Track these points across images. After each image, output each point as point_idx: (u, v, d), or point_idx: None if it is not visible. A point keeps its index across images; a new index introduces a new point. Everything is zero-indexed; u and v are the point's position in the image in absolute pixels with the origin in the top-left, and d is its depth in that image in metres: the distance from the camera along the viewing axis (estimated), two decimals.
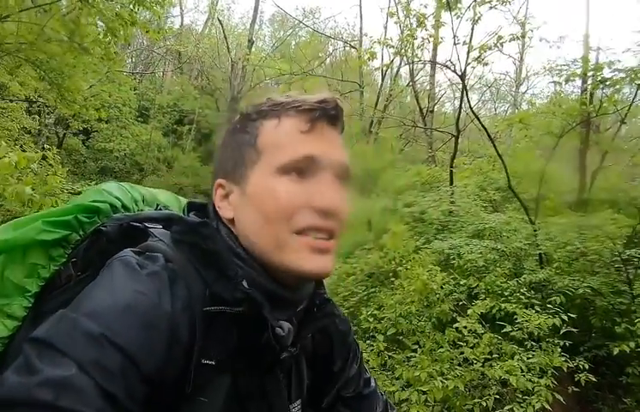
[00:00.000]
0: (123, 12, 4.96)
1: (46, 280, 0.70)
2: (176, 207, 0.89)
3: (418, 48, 7.12)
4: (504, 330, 3.55)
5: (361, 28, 12.61)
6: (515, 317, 3.65)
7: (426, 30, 6.62)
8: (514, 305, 3.81)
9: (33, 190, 3.02)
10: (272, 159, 0.63)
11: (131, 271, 0.57)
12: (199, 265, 0.61)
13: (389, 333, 3.95)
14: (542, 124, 6.55)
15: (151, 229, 0.68)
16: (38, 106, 7.62)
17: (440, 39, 7.76)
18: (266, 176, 0.63)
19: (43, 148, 6.38)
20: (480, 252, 4.79)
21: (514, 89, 15.54)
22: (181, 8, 17.42)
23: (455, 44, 6.27)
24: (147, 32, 5.30)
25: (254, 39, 15.00)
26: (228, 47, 14.81)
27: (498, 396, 3.15)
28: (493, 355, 3.38)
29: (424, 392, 3.06)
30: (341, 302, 5.71)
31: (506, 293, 4.20)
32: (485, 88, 14.67)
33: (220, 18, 15.45)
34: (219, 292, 0.59)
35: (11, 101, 6.14)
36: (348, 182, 0.67)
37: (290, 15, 17.30)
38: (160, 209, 0.83)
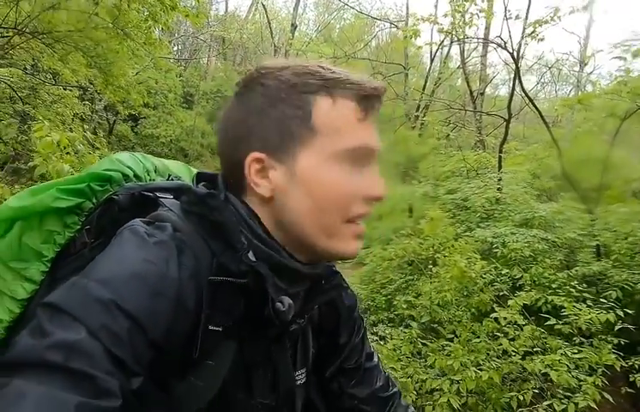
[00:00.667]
0: None
1: (61, 246, 0.72)
2: (187, 177, 0.88)
3: (466, 25, 6.66)
4: (548, 323, 3.30)
5: (407, 6, 12.11)
6: (562, 310, 3.38)
7: (476, 4, 6.19)
8: (562, 299, 3.53)
9: (72, 168, 3.16)
10: (329, 143, 0.61)
11: (140, 240, 0.58)
12: (206, 236, 0.62)
13: (423, 320, 3.80)
14: (606, 106, 5.96)
15: (161, 199, 0.69)
16: (90, 94, 8.02)
17: (492, 14, 7.27)
18: (321, 160, 0.62)
19: (94, 132, 6.72)
20: (528, 242, 4.50)
21: (577, 70, 14.29)
22: None
23: (507, 19, 5.85)
24: (187, 16, 5.37)
25: (297, 23, 14.91)
26: (272, 32, 14.84)
27: (537, 391, 2.94)
28: (535, 349, 3.15)
29: (457, 382, 2.91)
30: (378, 289, 5.63)
31: (554, 286, 3.93)
32: (545, 69, 13.60)
33: (264, 3, 15.48)
34: (225, 263, 0.60)
35: (64, 88, 6.51)
36: None
37: None
38: (172, 180, 0.84)
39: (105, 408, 0.46)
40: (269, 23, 15.20)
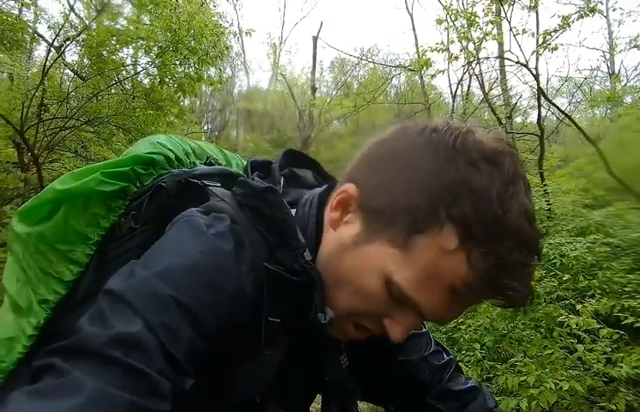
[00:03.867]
0: (190, 73, 5.51)
1: (106, 229, 0.72)
2: (222, 159, 0.88)
3: (475, 49, 6.69)
4: (625, 322, 2.96)
5: (417, 48, 12.44)
6: None
7: (481, 29, 6.23)
8: None
9: None
10: (404, 269, 0.54)
11: (199, 233, 0.57)
12: (263, 229, 0.61)
13: (485, 341, 3.52)
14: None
15: (210, 187, 0.68)
16: None
17: (501, 34, 7.28)
18: (382, 264, 0.56)
19: None
20: (588, 247, 4.18)
21: (608, 83, 13.90)
22: (246, 70, 18.91)
23: (513, 35, 5.80)
24: (211, 85, 5.75)
25: (316, 85, 15.61)
26: (294, 97, 15.57)
27: (629, 399, 2.59)
28: (619, 355, 2.81)
29: (535, 398, 2.61)
30: (436, 327, 5.32)
31: (628, 289, 3.57)
32: (574, 90, 13.33)
33: (283, 73, 16.39)
34: (281, 258, 0.60)
35: None
36: None
37: (348, 53, 17.83)
38: (211, 163, 0.84)
39: (154, 410, 0.46)
40: (290, 90, 15.99)
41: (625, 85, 11.99)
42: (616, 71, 13.21)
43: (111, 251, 0.71)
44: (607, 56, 13.23)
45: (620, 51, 10.97)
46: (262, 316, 0.58)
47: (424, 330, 0.85)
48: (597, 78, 13.00)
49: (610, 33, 11.92)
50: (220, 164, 0.85)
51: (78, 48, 5.53)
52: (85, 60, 5.62)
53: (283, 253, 0.59)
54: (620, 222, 4.84)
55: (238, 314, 0.56)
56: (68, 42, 5.34)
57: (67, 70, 5.70)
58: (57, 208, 0.71)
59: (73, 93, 5.24)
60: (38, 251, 0.70)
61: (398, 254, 0.54)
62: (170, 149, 0.79)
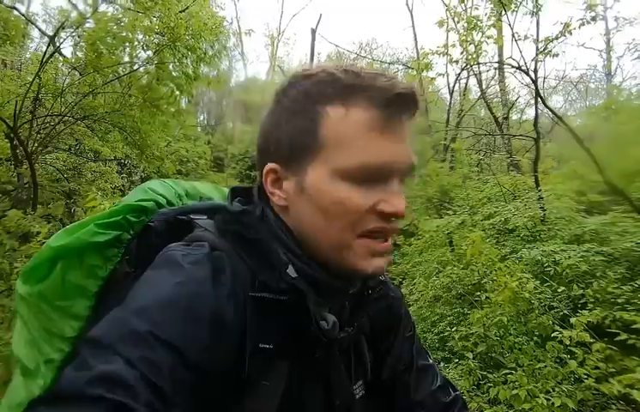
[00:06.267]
0: (188, 71, 5.46)
1: (104, 279, 0.73)
2: (217, 197, 0.90)
3: (477, 53, 6.69)
4: (618, 338, 3.00)
5: (416, 46, 12.40)
6: (635, 325, 3.07)
7: (482, 32, 6.22)
8: (633, 314, 3.23)
9: None
10: (336, 158, 0.58)
11: (175, 265, 0.58)
12: (244, 253, 0.61)
13: (478, 350, 3.55)
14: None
15: (196, 220, 0.70)
16: (128, 169, 8.50)
17: (501, 38, 7.27)
18: (328, 176, 0.59)
19: None
20: (582, 257, 4.21)
21: (604, 83, 13.94)
22: (244, 61, 18.77)
23: (515, 40, 5.79)
24: (208, 84, 5.70)
25: None
26: None
27: None
28: (610, 370, 2.85)
29: None
30: (428, 328, 5.38)
31: (621, 300, 3.61)
32: (570, 88, 13.36)
33: (281, 65, 16.26)
34: (265, 280, 0.59)
35: (104, 164, 6.95)
36: (409, 177, 0.64)
37: (344, 48, 17.72)
38: (203, 201, 0.85)
39: None
40: None
41: (622, 83, 12.04)
42: (612, 71, 13.27)
43: (109, 300, 0.70)
44: (604, 54, 13.26)
45: (619, 57, 11.01)
46: (247, 343, 0.57)
47: (430, 361, 0.85)
48: (593, 77, 13.07)
49: (608, 33, 11.92)
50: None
51: (74, 42, 5.44)
52: (79, 54, 5.54)
53: (267, 274, 0.59)
54: (615, 229, 4.86)
55: (221, 339, 0.55)
56: (65, 35, 5.25)
57: (62, 65, 5.61)
58: (54, 265, 0.72)
59: (69, 89, 5.17)
60: (40, 310, 0.71)
61: (323, 154, 0.59)
62: (161, 194, 0.81)
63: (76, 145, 6.51)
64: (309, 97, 0.60)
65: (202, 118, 17.14)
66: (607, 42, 12.17)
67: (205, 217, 0.71)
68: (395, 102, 0.58)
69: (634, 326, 3.09)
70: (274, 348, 0.59)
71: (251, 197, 0.68)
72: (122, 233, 0.74)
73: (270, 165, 0.63)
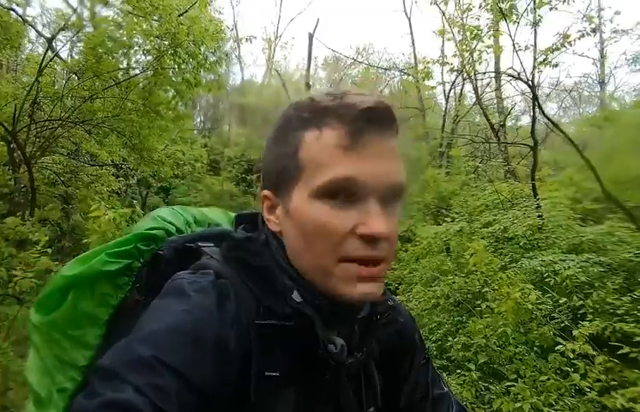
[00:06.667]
0: (189, 77, 5.44)
1: (115, 307, 0.74)
2: (226, 222, 0.90)
3: (476, 61, 6.75)
4: (621, 352, 3.02)
5: (414, 53, 12.47)
6: (635, 338, 3.10)
7: (482, 42, 6.29)
8: (632, 325, 3.26)
9: None
10: (311, 178, 0.59)
11: (180, 293, 0.59)
12: (248, 280, 0.62)
13: (480, 361, 3.56)
14: (634, 121, 5.80)
15: (204, 248, 0.71)
16: (125, 172, 8.44)
17: (500, 48, 7.34)
18: (307, 197, 0.59)
19: (130, 205, 6.99)
20: (581, 267, 4.25)
21: (597, 90, 14.13)
22: (240, 64, 18.73)
23: (516, 51, 5.85)
24: (209, 91, 5.67)
25: (311, 82, 15.53)
26: (287, 93, 15.48)
27: None
28: (612, 383, 2.87)
29: None
30: (427, 335, 5.40)
31: (620, 312, 3.65)
32: (564, 95, 13.52)
33: (278, 68, 16.26)
34: (271, 306, 0.60)
35: (101, 168, 6.89)
36: (400, 199, 0.61)
37: (341, 54, 17.76)
38: (212, 227, 0.86)
39: None
40: (284, 85, 15.88)
41: (614, 91, 12.20)
42: (605, 79, 13.46)
43: (120, 328, 0.70)
44: (597, 62, 13.42)
45: (615, 68, 11.16)
46: (252, 371, 0.58)
47: (445, 389, 0.84)
48: (586, 85, 13.25)
49: (602, 42, 12.06)
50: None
51: (72, 46, 5.39)
52: (77, 57, 5.49)
53: (272, 300, 0.60)
54: (611, 239, 4.92)
55: (224, 365, 0.55)
56: (65, 39, 5.21)
57: (59, 68, 5.56)
58: (67, 294, 0.73)
59: (69, 93, 5.12)
60: (52, 339, 0.72)
61: (303, 178, 0.59)
62: (170, 222, 0.82)
63: (75, 149, 6.44)
64: (290, 124, 0.62)
65: (198, 120, 17.08)
66: (601, 51, 12.30)
67: (212, 245, 0.72)
68: (362, 117, 0.57)
69: (635, 340, 3.12)
70: (281, 375, 0.59)
71: (256, 224, 0.68)
72: (132, 261, 0.75)
73: (265, 191, 0.65)
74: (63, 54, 6.41)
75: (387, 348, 0.77)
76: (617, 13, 6.32)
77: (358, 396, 0.69)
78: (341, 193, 0.57)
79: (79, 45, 5.19)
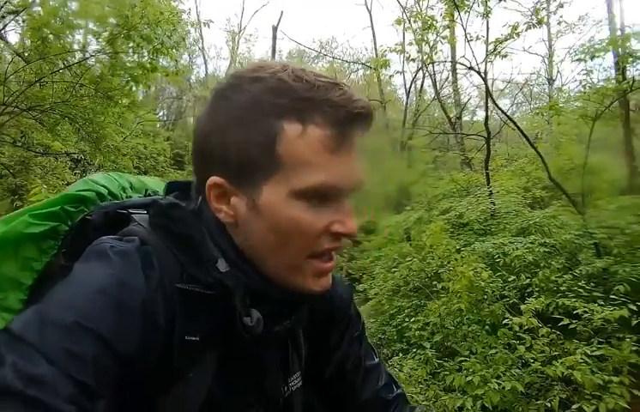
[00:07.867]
0: (144, 62, 5.24)
1: (39, 272, 0.70)
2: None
3: (432, 50, 6.94)
4: (562, 324, 3.24)
5: (375, 45, 12.66)
6: (575, 312, 3.34)
7: (438, 32, 6.47)
8: (573, 300, 3.51)
9: None
10: (292, 178, 0.56)
11: (102, 256, 0.57)
12: (173, 247, 0.60)
13: (435, 339, 3.71)
14: (575, 110, 6.20)
15: (134, 215, 0.68)
16: (82, 166, 8.06)
17: (455, 39, 7.58)
18: (285, 196, 0.56)
19: None
20: (528, 248, 4.51)
21: (547, 87, 14.90)
22: (204, 57, 18.30)
23: (468, 41, 6.09)
24: (166, 75, 5.52)
25: None
26: None
27: (563, 397, 2.85)
28: (554, 353, 3.08)
29: (479, 397, 2.81)
30: (387, 321, 5.55)
31: (562, 288, 3.91)
32: (516, 91, 14.18)
33: (241, 62, 16.02)
34: (194, 274, 0.59)
35: (56, 159, 6.53)
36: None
37: (306, 46, 17.73)
38: (149, 195, 0.82)
39: None
40: None
41: (561, 87, 12.92)
42: (554, 76, 14.21)
43: (42, 294, 0.66)
44: (546, 59, 14.15)
45: (561, 61, 11.80)
46: (175, 336, 0.57)
47: (376, 360, 0.86)
48: (536, 81, 13.94)
49: (550, 39, 12.72)
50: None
51: (19, 27, 5.09)
52: (27, 41, 5.19)
53: (195, 269, 0.59)
54: (555, 222, 5.24)
55: (150, 331, 0.54)
56: (9, 17, 4.89)
57: (5, 52, 5.23)
58: None
59: (12, 77, 4.83)
60: None
61: (280, 174, 0.56)
62: (103, 185, 0.78)
63: (22, 137, 6.06)
64: (260, 107, 0.56)
65: (161, 113, 16.52)
66: (550, 48, 12.99)
67: (144, 212, 0.69)
68: (348, 119, 0.56)
69: (574, 312, 3.35)
70: (200, 340, 0.58)
71: (188, 192, 0.66)
72: (59, 224, 0.71)
73: (215, 179, 0.59)
74: (15, 36, 6.05)
75: (318, 317, 0.77)
76: (560, 5, 6.63)
77: (285, 361, 0.70)
78: (323, 196, 0.57)
79: (24, 28, 4.89)
